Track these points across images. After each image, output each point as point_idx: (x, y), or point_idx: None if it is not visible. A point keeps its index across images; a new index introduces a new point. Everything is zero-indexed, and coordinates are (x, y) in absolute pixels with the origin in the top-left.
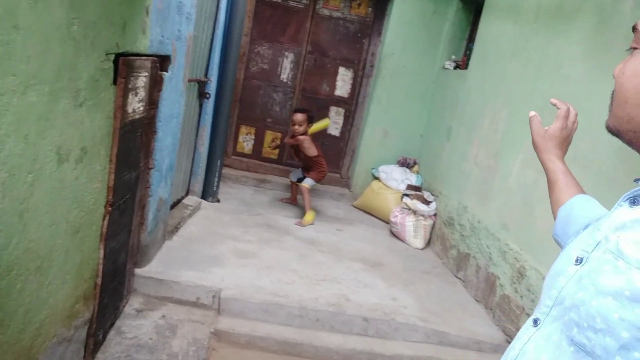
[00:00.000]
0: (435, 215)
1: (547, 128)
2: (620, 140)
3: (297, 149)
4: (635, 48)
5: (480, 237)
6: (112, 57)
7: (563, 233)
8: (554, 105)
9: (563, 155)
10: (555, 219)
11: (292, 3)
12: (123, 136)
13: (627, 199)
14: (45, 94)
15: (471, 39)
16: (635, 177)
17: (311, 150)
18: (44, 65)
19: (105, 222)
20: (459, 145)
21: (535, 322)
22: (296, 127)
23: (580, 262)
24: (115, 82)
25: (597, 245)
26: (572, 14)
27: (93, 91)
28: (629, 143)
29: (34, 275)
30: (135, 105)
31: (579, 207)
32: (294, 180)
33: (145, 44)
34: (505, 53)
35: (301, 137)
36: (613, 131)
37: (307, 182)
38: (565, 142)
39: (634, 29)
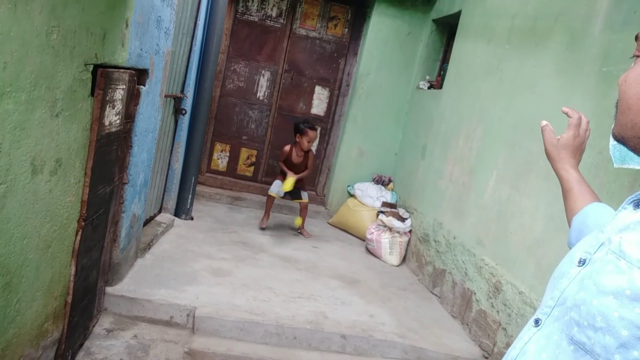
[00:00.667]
0: (410, 232)
1: (559, 137)
2: (591, 158)
3: (297, 165)
4: (637, 56)
5: (456, 253)
6: (91, 67)
7: (577, 241)
8: (566, 114)
9: (577, 163)
10: (570, 227)
11: (269, 22)
12: (99, 149)
13: (632, 202)
14: (21, 103)
15: (445, 60)
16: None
17: (312, 162)
18: (21, 72)
19: (78, 238)
20: (434, 163)
21: (537, 322)
22: (310, 144)
23: (583, 264)
24: (92, 93)
25: (600, 246)
26: (544, 34)
27: (70, 102)
28: (634, 150)
29: (2, 292)
30: (112, 118)
31: (593, 215)
32: (278, 194)
33: (124, 56)
34: (479, 73)
35: (312, 152)
36: (618, 138)
37: (306, 197)
38: (578, 150)
39: (637, 37)
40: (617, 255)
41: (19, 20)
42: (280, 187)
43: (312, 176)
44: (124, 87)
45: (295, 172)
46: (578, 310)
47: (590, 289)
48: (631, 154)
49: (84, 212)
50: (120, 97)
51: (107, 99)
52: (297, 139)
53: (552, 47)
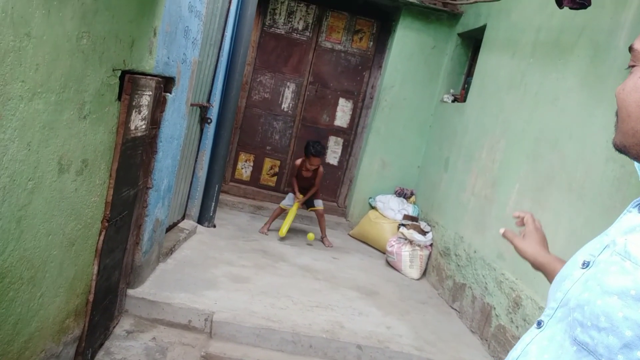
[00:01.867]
0: (431, 245)
1: (522, 234)
2: (614, 171)
3: (306, 179)
4: (633, 66)
5: (476, 267)
6: (119, 73)
7: None
8: (516, 217)
9: (547, 250)
10: None
11: (295, 35)
12: (124, 152)
13: (637, 205)
14: (51, 103)
15: (470, 73)
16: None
17: (320, 179)
18: (52, 74)
19: (101, 238)
20: (456, 176)
21: (539, 324)
22: (313, 167)
23: (587, 266)
24: (119, 98)
25: (604, 249)
26: (568, 48)
27: (98, 105)
28: (636, 158)
29: (27, 285)
30: (138, 122)
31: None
32: (289, 206)
33: (151, 63)
34: (503, 86)
35: (321, 171)
36: (620, 148)
37: (321, 204)
38: (543, 239)
39: (630, 48)
40: (623, 256)
41: (52, 25)
42: (292, 200)
43: (333, 187)
44: (151, 93)
45: (304, 186)
46: (582, 311)
47: (595, 290)
48: None
49: (107, 212)
50: (146, 103)
51: (134, 104)
52: (307, 160)
53: (576, 61)
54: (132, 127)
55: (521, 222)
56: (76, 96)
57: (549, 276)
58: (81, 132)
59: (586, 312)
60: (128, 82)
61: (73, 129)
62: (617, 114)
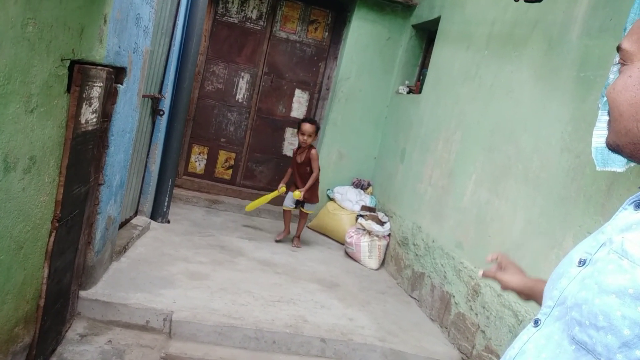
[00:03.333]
0: (389, 235)
1: (499, 268)
2: (568, 162)
3: (300, 165)
4: (622, 64)
5: (434, 256)
6: (68, 63)
7: None
8: (492, 259)
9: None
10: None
11: (249, 24)
12: (74, 148)
13: (632, 203)
14: None
15: (424, 65)
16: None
17: (316, 164)
18: None
19: (52, 239)
20: (412, 167)
21: (536, 322)
22: (305, 137)
23: (583, 264)
24: (69, 90)
25: (600, 247)
26: (522, 41)
27: (46, 97)
28: (630, 156)
29: None
30: (89, 116)
31: None
32: (291, 206)
33: (101, 53)
34: (458, 78)
35: (314, 153)
36: (613, 147)
37: (311, 208)
38: (520, 269)
39: (619, 48)
40: (620, 254)
41: None
42: (292, 199)
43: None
44: (101, 84)
45: (299, 172)
46: (579, 310)
47: (592, 288)
48: (613, 156)
49: (58, 212)
50: (97, 95)
51: (84, 96)
52: (298, 137)
53: (530, 53)
54: (83, 121)
55: (496, 263)
56: (22, 88)
57: (539, 298)
58: (28, 127)
59: (584, 311)
60: (78, 72)
61: (19, 123)
62: (609, 114)
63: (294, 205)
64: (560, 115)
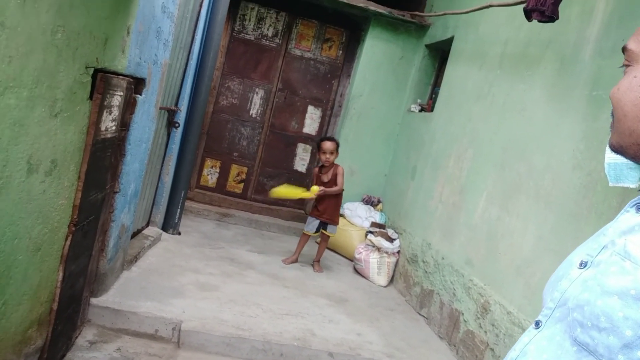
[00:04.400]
0: (398, 252)
1: None
2: (580, 179)
3: (327, 184)
4: (627, 65)
5: (444, 274)
6: (91, 71)
7: None
8: None
9: None
10: None
11: (264, 42)
12: (94, 154)
13: (634, 205)
14: (22, 99)
15: (437, 84)
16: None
17: (341, 179)
18: (25, 68)
19: (68, 243)
20: (423, 184)
21: (537, 324)
22: (327, 156)
23: (585, 266)
24: (91, 97)
25: (602, 249)
26: (535, 60)
27: (69, 103)
28: (634, 158)
29: None
30: (109, 124)
31: None
32: (313, 231)
33: (123, 63)
34: (470, 96)
35: (341, 169)
36: (617, 148)
37: (333, 231)
38: None
39: (624, 49)
40: (622, 256)
41: (27, 16)
42: (314, 225)
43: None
44: (122, 94)
45: (323, 197)
46: (581, 311)
47: (594, 290)
48: (626, 172)
49: (75, 216)
50: (117, 104)
51: (105, 104)
52: (318, 157)
53: (543, 73)
54: (103, 128)
55: None
56: (48, 92)
57: None
58: (51, 131)
59: (586, 313)
60: (100, 80)
61: (44, 127)
62: (612, 115)
63: (317, 230)
64: (572, 133)
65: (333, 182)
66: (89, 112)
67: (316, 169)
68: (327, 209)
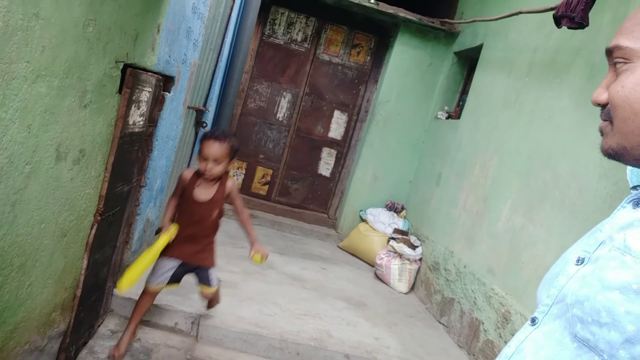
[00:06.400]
0: (420, 260)
1: None
2: (606, 188)
3: (203, 206)
4: (624, 63)
5: (465, 282)
6: (121, 65)
7: None
8: None
9: None
10: None
11: (293, 46)
12: (121, 146)
13: (631, 201)
14: (53, 88)
15: (464, 91)
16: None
17: (241, 201)
18: (56, 58)
19: (93, 232)
20: (448, 191)
21: (533, 320)
22: (210, 166)
23: (582, 262)
24: (120, 91)
25: (600, 245)
26: (564, 68)
27: (99, 95)
28: (637, 159)
29: (16, 272)
30: (136, 118)
31: None
32: (165, 283)
33: (152, 60)
34: (498, 104)
35: (230, 185)
36: (616, 151)
37: (216, 283)
38: None
39: (616, 47)
40: (622, 251)
41: (60, 9)
42: (167, 267)
43: (324, 199)
44: (150, 90)
45: (199, 218)
46: (581, 307)
47: (594, 285)
48: None
49: (101, 206)
50: (145, 99)
51: (134, 98)
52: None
53: (572, 80)
54: (131, 122)
55: None
56: (78, 83)
57: None
58: (80, 121)
59: (586, 308)
60: (130, 75)
61: (73, 116)
62: (609, 118)
63: (173, 280)
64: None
65: (216, 204)
66: (118, 105)
67: (187, 173)
68: (203, 244)
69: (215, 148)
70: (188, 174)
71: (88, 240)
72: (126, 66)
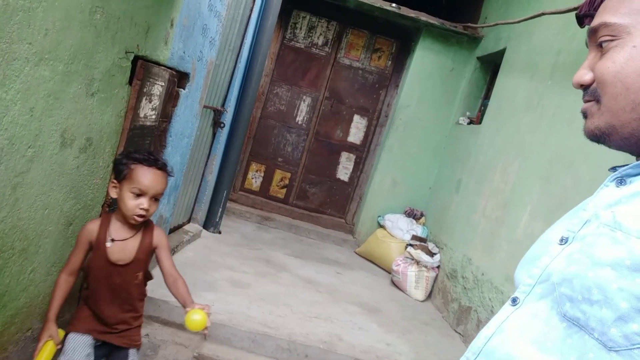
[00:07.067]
0: (438, 267)
1: None
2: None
3: (124, 269)
4: (611, 40)
5: (483, 290)
6: (131, 56)
7: None
8: None
9: None
10: None
11: (314, 50)
12: (131, 138)
13: (614, 180)
14: (58, 72)
15: (487, 97)
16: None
17: (169, 253)
18: (61, 43)
19: None
20: (467, 198)
21: (514, 300)
22: (147, 204)
23: (566, 242)
24: (130, 82)
25: (585, 223)
26: None
27: (107, 85)
28: (627, 138)
29: (17, 257)
30: (148, 111)
31: None
32: None
33: (165, 54)
34: (520, 108)
35: (158, 236)
36: (603, 130)
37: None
38: None
39: (601, 25)
40: (612, 227)
41: None
42: (80, 349)
43: (342, 204)
44: (163, 84)
45: (113, 290)
46: (570, 285)
47: (583, 262)
48: None
49: (109, 198)
50: (158, 93)
51: (144, 91)
52: (117, 191)
53: None
54: (141, 115)
55: None
56: (85, 71)
57: None
58: (87, 109)
59: (576, 286)
60: (140, 67)
61: (79, 103)
62: (595, 97)
63: None
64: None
65: (146, 262)
66: (128, 96)
67: (93, 226)
68: (125, 318)
69: (160, 180)
70: (93, 227)
71: None
72: (137, 58)
